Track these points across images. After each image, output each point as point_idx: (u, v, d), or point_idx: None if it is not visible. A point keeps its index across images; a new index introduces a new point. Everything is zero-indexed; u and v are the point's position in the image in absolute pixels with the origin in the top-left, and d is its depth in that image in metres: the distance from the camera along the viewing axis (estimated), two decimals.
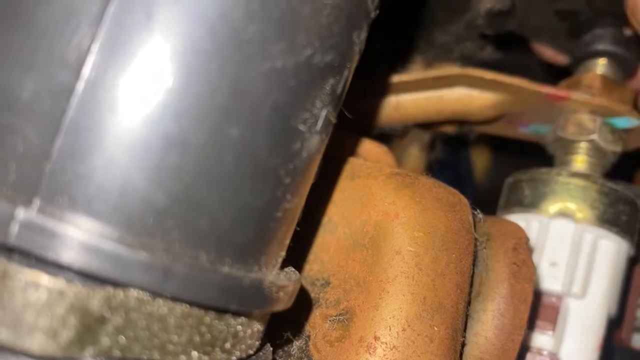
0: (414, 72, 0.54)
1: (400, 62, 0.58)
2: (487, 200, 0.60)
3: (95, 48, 0.23)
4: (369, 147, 0.48)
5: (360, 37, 0.29)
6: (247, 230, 0.26)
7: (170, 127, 0.23)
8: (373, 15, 0.30)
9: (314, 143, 0.28)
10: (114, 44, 0.23)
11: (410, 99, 0.54)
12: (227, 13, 0.24)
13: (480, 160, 0.85)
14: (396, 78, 0.53)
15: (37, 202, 0.22)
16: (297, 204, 0.29)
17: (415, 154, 0.63)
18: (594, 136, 0.51)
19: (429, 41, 0.56)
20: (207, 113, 0.24)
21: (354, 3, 0.27)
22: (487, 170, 0.87)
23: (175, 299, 0.24)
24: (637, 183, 0.83)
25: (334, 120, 0.30)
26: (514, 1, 0.50)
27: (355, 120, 0.55)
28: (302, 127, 0.27)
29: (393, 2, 0.48)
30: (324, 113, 0.28)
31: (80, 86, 0.23)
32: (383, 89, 0.54)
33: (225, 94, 0.24)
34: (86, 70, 0.23)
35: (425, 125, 0.59)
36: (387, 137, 0.61)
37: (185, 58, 0.23)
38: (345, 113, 0.32)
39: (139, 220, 0.23)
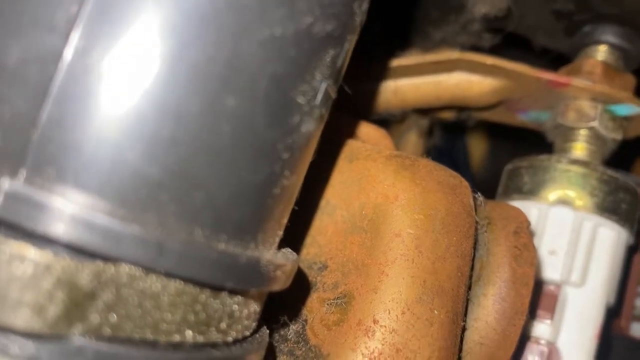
0: (413, 57, 0.53)
1: (399, 46, 0.57)
2: (484, 188, 0.59)
3: (84, 13, 0.22)
4: (367, 130, 0.47)
5: (361, 8, 0.28)
6: (244, 206, 0.25)
7: (164, 97, 0.22)
8: None
9: (313, 117, 0.27)
10: (104, 9, 0.22)
11: (409, 84, 0.53)
12: None
13: (477, 148, 0.84)
14: (395, 62, 0.52)
15: (23, 173, 0.21)
16: (295, 181, 0.28)
17: (413, 140, 0.62)
18: (595, 123, 0.50)
19: (425, 35, 0.55)
20: (202, 82, 0.23)
21: None
22: (483, 158, 0.86)
23: (169, 275, 0.23)
24: (636, 172, 0.83)
25: (333, 95, 0.29)
26: (510, 6, 0.49)
27: (354, 105, 0.54)
28: (301, 100, 0.26)
29: None
30: (323, 86, 0.27)
31: (68, 52, 0.22)
32: (382, 73, 0.53)
33: (222, 62, 0.23)
34: (75, 36, 0.22)
35: (424, 111, 0.58)
36: (385, 123, 0.60)
37: (180, 24, 0.22)
38: (346, 89, 0.31)
39: (131, 193, 0.22)
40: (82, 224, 0.21)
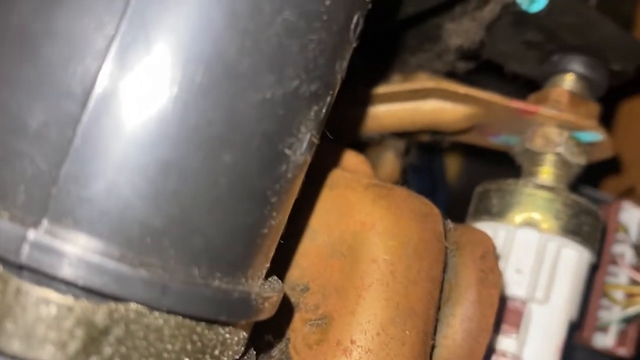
0: (391, 85, 0.56)
1: (378, 75, 0.60)
2: (460, 202, 0.63)
3: (99, 80, 0.25)
4: (347, 157, 0.50)
5: (342, 66, 0.31)
6: (237, 247, 0.28)
7: (168, 155, 0.25)
8: (354, 45, 0.32)
9: (299, 164, 0.30)
10: (116, 77, 0.25)
11: (386, 110, 0.57)
12: (222, 49, 0.26)
13: (453, 165, 0.88)
14: (373, 90, 0.55)
15: (44, 224, 0.24)
16: (281, 220, 0.31)
17: (390, 159, 0.65)
18: (560, 149, 0.53)
19: (402, 61, 0.58)
20: (202, 142, 0.26)
21: (337, 37, 0.29)
22: (459, 174, 0.90)
23: (170, 311, 0.26)
24: (604, 189, 0.87)
25: (317, 141, 0.32)
26: (482, 38, 0.52)
27: (334, 130, 0.57)
28: (288, 151, 0.29)
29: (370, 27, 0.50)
30: (308, 136, 0.30)
31: (85, 116, 0.25)
32: (361, 100, 0.56)
33: (220, 123, 0.26)
34: (91, 101, 0.25)
35: (401, 134, 0.62)
36: (363, 144, 0.63)
37: (182, 92, 0.25)
38: (327, 134, 0.35)
39: (138, 240, 0.25)
40: (97, 270, 0.24)
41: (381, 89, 0.56)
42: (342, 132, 0.58)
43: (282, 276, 0.41)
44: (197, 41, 0.25)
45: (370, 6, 0.32)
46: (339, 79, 0.32)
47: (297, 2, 0.27)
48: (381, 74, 0.62)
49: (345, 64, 0.32)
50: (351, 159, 0.50)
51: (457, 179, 0.92)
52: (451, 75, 0.61)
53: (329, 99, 0.31)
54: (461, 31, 0.53)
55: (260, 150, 0.27)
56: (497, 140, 0.60)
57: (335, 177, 0.44)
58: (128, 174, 0.25)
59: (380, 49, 0.60)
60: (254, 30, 0.26)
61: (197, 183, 0.26)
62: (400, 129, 0.58)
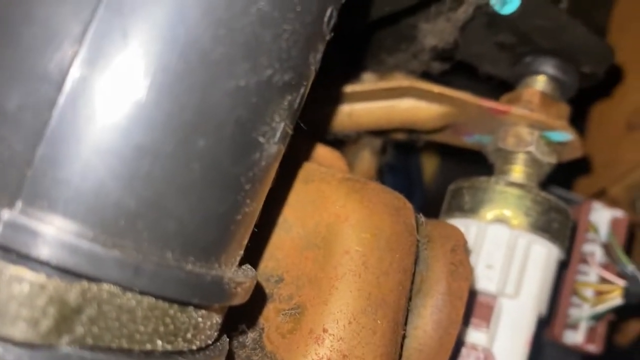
0: (367, 83, 0.57)
1: (355, 70, 0.61)
2: (436, 200, 0.64)
3: (76, 64, 0.25)
4: (323, 152, 0.51)
5: (316, 58, 0.32)
6: (210, 232, 0.29)
7: (143, 139, 0.26)
8: (328, 37, 0.33)
9: (272, 153, 0.31)
10: (92, 62, 0.25)
11: (363, 108, 0.58)
12: (197, 37, 0.26)
13: (429, 164, 0.89)
14: (350, 88, 0.56)
15: (19, 204, 0.25)
16: (255, 207, 0.32)
17: (367, 158, 0.66)
18: (531, 148, 0.55)
19: (379, 60, 0.59)
20: (176, 127, 0.26)
21: (310, 28, 0.30)
22: (435, 173, 0.91)
23: (143, 292, 0.26)
24: (576, 190, 0.89)
25: (290, 131, 0.33)
26: (456, 38, 0.53)
27: (312, 126, 0.58)
28: (261, 139, 0.30)
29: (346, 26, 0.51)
30: (281, 126, 0.31)
31: (61, 99, 0.25)
32: (337, 98, 0.57)
33: (193, 109, 0.27)
34: (67, 85, 0.25)
35: (377, 132, 0.63)
36: (340, 142, 0.64)
37: (157, 77, 0.26)
38: (301, 125, 0.35)
39: (112, 221, 0.26)
40: (71, 249, 0.24)
41: (358, 88, 0.57)
42: (319, 129, 0.59)
43: (256, 267, 0.42)
44: (172, 28, 0.26)
45: (344, 0, 0.33)
46: (312, 71, 0.32)
47: None
48: (358, 73, 0.63)
49: (319, 56, 0.32)
50: (327, 154, 0.51)
51: (433, 178, 0.94)
52: (426, 75, 0.62)
53: (302, 89, 0.32)
54: (436, 31, 0.54)
55: (234, 137, 0.28)
56: (470, 140, 0.61)
57: (311, 170, 0.45)
58: (103, 157, 0.25)
59: (357, 48, 0.61)
60: (228, 19, 0.27)
61: (170, 167, 0.26)
62: (376, 127, 0.59)
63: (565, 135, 0.55)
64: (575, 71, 0.57)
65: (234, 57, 0.27)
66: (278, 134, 0.31)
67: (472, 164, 0.67)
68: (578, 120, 0.90)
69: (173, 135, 0.26)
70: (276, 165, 0.33)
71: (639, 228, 0.86)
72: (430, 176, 0.92)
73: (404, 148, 0.78)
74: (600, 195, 0.85)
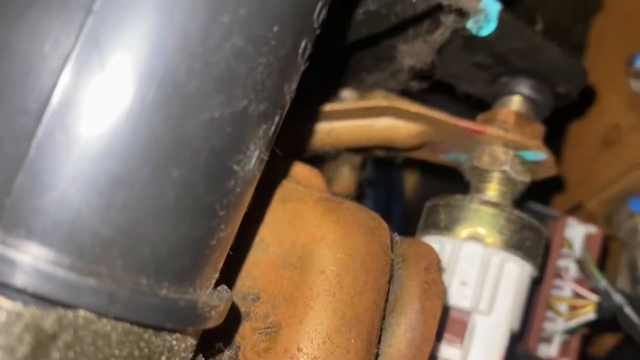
0: (346, 102, 0.58)
1: (336, 91, 0.62)
2: (415, 216, 0.65)
3: (55, 96, 0.26)
4: (301, 170, 0.52)
5: (291, 88, 0.33)
6: (184, 258, 0.30)
7: (118, 169, 0.27)
8: (303, 68, 0.34)
9: (247, 179, 0.32)
10: (70, 94, 0.26)
11: (342, 126, 0.59)
12: (173, 71, 0.27)
13: (410, 178, 0.90)
14: (329, 107, 0.57)
15: None
16: (230, 232, 0.33)
17: (346, 174, 0.67)
18: (506, 167, 0.56)
19: (359, 79, 0.60)
20: (151, 157, 0.27)
21: (285, 60, 0.31)
22: (416, 188, 0.93)
23: (118, 318, 0.27)
24: (554, 205, 0.90)
25: (266, 157, 0.34)
26: (434, 59, 0.55)
27: (292, 143, 0.59)
28: (236, 167, 0.30)
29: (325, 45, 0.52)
30: (256, 153, 0.32)
31: (40, 131, 0.26)
32: (317, 116, 0.58)
33: (168, 140, 0.27)
34: (46, 117, 0.26)
35: (356, 149, 0.64)
36: (320, 158, 0.65)
37: (133, 109, 0.27)
38: (279, 147, 0.36)
39: (88, 249, 0.26)
40: (47, 277, 0.25)
41: (337, 106, 0.58)
42: (298, 146, 0.60)
43: (233, 286, 0.42)
44: (149, 62, 0.27)
45: (318, 31, 0.34)
46: (287, 99, 0.33)
47: (246, 28, 0.29)
48: (338, 90, 0.64)
49: (294, 85, 0.33)
50: (305, 172, 0.52)
51: (413, 193, 0.95)
52: (406, 93, 0.64)
53: (277, 118, 0.33)
54: (414, 53, 0.55)
55: (208, 166, 0.29)
56: (448, 157, 0.62)
57: (289, 190, 0.46)
58: (80, 186, 0.26)
59: (338, 67, 0.63)
60: (203, 53, 0.28)
61: (145, 196, 0.27)
62: (355, 144, 0.60)
63: (539, 154, 0.57)
64: (550, 91, 0.59)
65: (209, 90, 0.28)
66: (253, 161, 0.32)
67: (453, 179, 0.68)
68: (556, 136, 0.92)
69: (148, 165, 0.27)
70: (251, 190, 0.34)
71: (615, 242, 0.87)
72: (411, 190, 0.94)
73: (385, 162, 0.80)
74: (577, 209, 0.87)
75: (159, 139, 0.27)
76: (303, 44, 0.32)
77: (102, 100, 0.26)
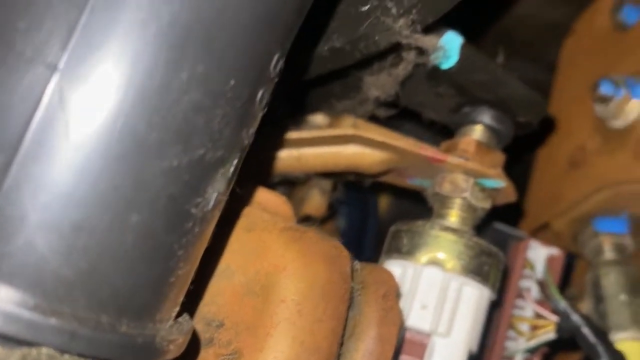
0: (314, 131, 0.60)
1: (306, 115, 0.65)
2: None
3: (19, 155, 0.28)
4: (269, 197, 0.54)
5: (249, 133, 0.35)
6: (143, 296, 0.32)
7: (79, 216, 0.29)
8: (261, 115, 0.36)
9: (205, 219, 0.34)
10: (35, 152, 0.28)
11: (311, 153, 0.61)
12: (133, 124, 0.29)
13: (383, 200, 0.93)
14: (298, 134, 0.60)
15: None
16: (189, 268, 0.35)
17: (316, 197, 0.70)
18: (466, 194, 0.58)
19: (329, 105, 0.63)
20: (111, 204, 0.29)
21: (242, 110, 0.33)
22: (389, 208, 0.95)
23: (80, 355, 0.29)
24: (523, 223, 0.93)
25: (225, 198, 0.36)
26: (397, 91, 0.57)
27: (261, 169, 0.61)
28: (194, 210, 0.33)
29: (292, 77, 0.54)
30: (214, 196, 0.34)
31: (7, 182, 0.28)
32: (287, 143, 0.60)
33: (128, 189, 0.30)
34: (12, 170, 0.28)
35: (326, 174, 0.66)
36: (291, 182, 0.67)
37: (94, 162, 0.29)
38: (237, 190, 0.38)
39: (51, 291, 0.29)
40: (12, 319, 0.27)
41: (306, 134, 0.60)
42: (270, 171, 0.62)
43: (196, 311, 0.44)
44: (110, 117, 0.29)
45: (277, 79, 0.37)
46: (246, 144, 0.36)
47: (203, 84, 0.31)
48: (310, 115, 0.66)
49: (252, 130, 0.36)
50: (272, 199, 0.54)
51: (387, 211, 0.98)
52: (376, 118, 0.66)
53: (236, 161, 0.35)
54: (378, 84, 0.58)
55: (166, 211, 0.31)
56: (413, 182, 0.65)
57: (254, 219, 0.48)
58: (44, 233, 0.28)
59: (310, 94, 0.65)
60: (162, 108, 0.30)
61: (105, 241, 0.29)
62: (324, 170, 0.63)
63: (498, 182, 0.59)
64: (511, 121, 0.61)
65: (167, 141, 0.30)
66: (211, 203, 0.34)
67: (423, 201, 0.70)
68: (527, 159, 0.95)
69: (107, 212, 0.29)
70: (211, 227, 0.36)
71: (580, 259, 0.90)
72: (385, 208, 0.96)
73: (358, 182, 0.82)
74: (544, 228, 0.89)
75: (119, 187, 0.29)
76: (260, 94, 0.35)
77: (66, 153, 0.28)
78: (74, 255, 0.29)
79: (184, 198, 0.32)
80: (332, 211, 0.81)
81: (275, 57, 0.35)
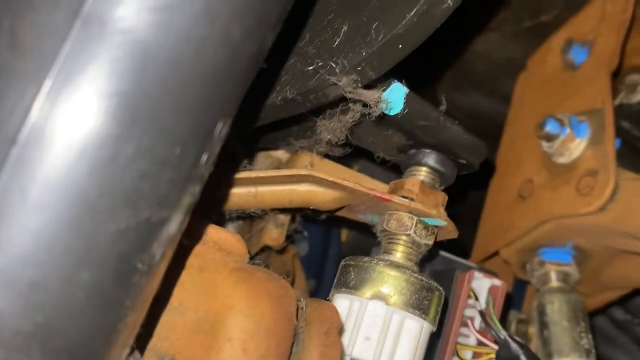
0: (270, 170, 0.64)
1: (265, 155, 0.69)
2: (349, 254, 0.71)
3: None
4: (223, 236, 0.57)
5: (194, 192, 0.39)
6: (94, 344, 0.35)
7: (34, 276, 0.32)
8: (206, 175, 0.40)
9: (152, 272, 0.38)
10: None
11: (266, 190, 0.65)
12: (84, 192, 0.33)
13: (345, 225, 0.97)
14: (255, 174, 0.63)
15: None
16: (138, 315, 0.39)
17: (273, 230, 0.74)
18: (410, 232, 0.63)
19: (288, 142, 0.67)
20: (63, 264, 0.33)
21: (187, 174, 0.37)
22: (350, 232, 1.00)
23: None
24: (474, 251, 0.97)
25: (172, 250, 0.39)
26: (347, 135, 0.61)
27: (217, 206, 0.65)
28: (140, 266, 0.36)
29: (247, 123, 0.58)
30: (160, 251, 0.37)
31: None
32: (244, 181, 0.64)
33: (79, 250, 0.33)
34: None
35: (282, 209, 0.70)
36: (249, 216, 0.71)
37: (49, 227, 0.32)
38: (184, 242, 0.42)
39: (9, 342, 0.32)
40: None
41: (262, 173, 0.64)
42: (227, 209, 0.66)
43: (146, 346, 0.48)
44: (63, 187, 0.33)
45: (222, 143, 0.40)
46: (192, 201, 0.39)
47: (149, 154, 0.35)
48: (272, 152, 0.70)
49: (198, 188, 0.39)
50: (227, 237, 0.57)
51: (351, 238, 1.02)
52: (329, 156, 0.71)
53: (182, 217, 0.39)
54: (330, 129, 0.62)
55: (115, 268, 0.35)
56: (364, 218, 0.69)
57: (207, 259, 0.52)
58: (3, 291, 0.32)
59: (269, 132, 0.69)
60: (111, 177, 0.34)
61: (59, 297, 0.33)
62: (280, 206, 0.66)
63: (439, 221, 0.63)
64: (454, 163, 0.66)
65: (116, 206, 0.34)
66: (157, 258, 0.37)
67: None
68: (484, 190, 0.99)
69: (60, 272, 0.33)
70: (158, 278, 0.40)
71: (529, 286, 0.95)
72: (346, 234, 1.01)
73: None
74: (494, 256, 0.94)
75: (71, 249, 0.33)
76: (205, 157, 0.38)
77: (20, 220, 0.32)
78: (30, 310, 0.32)
79: (131, 256, 0.35)
80: (291, 239, 0.85)
81: (220, 124, 0.39)
